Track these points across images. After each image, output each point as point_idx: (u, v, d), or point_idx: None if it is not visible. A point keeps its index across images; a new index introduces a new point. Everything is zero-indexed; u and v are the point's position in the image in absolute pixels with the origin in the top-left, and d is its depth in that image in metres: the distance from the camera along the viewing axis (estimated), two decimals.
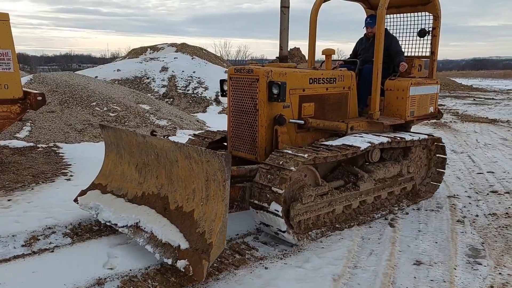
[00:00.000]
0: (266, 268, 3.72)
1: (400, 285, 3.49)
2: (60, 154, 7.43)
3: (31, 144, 7.94)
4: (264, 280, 3.51)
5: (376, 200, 5.21)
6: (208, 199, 3.47)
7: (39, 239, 4.11)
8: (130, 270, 3.57)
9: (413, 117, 5.74)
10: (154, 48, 21.57)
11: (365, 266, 3.83)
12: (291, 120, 4.71)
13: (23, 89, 6.25)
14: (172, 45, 21.12)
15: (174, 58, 17.46)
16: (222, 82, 5.20)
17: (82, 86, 10.83)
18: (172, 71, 16.12)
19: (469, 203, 5.66)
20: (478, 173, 7.21)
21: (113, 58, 37.54)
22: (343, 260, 3.92)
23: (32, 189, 5.58)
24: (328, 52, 5.28)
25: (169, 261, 3.33)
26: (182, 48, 20.31)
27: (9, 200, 5.13)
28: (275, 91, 4.41)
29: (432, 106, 6.15)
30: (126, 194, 4.36)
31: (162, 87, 15.33)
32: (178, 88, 15.22)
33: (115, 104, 10.51)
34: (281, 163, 4.06)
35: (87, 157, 7.11)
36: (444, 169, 6.04)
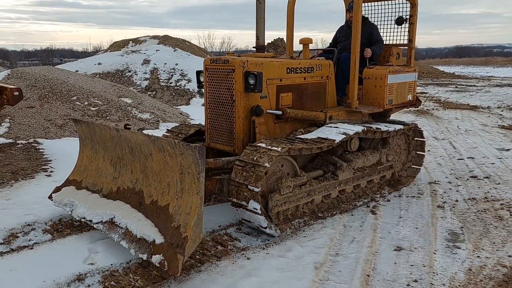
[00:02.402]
0: (248, 258, 3.73)
1: (380, 271, 3.54)
2: (40, 150, 7.30)
3: (10, 140, 7.78)
4: (246, 270, 3.52)
5: (356, 189, 5.24)
6: (183, 192, 3.42)
7: (18, 236, 4.05)
8: (111, 264, 3.54)
9: (391, 106, 5.75)
10: (136, 41, 21.23)
11: (346, 253, 3.87)
12: (268, 111, 4.66)
13: None
14: (155, 37, 20.81)
15: (156, 50, 17.24)
16: (198, 73, 5.11)
17: (62, 80, 10.64)
18: (154, 64, 15.92)
19: (450, 188, 5.75)
20: (458, 159, 7.32)
21: (95, 51, 36.88)
22: (325, 248, 3.95)
23: (12, 186, 5.48)
24: (305, 41, 5.24)
25: (144, 257, 3.30)
26: (165, 40, 20.04)
27: None
28: (251, 81, 4.36)
29: (411, 94, 6.16)
30: (101, 190, 4.29)
31: (144, 80, 15.14)
32: (161, 80, 15.06)
33: (96, 98, 10.36)
34: (255, 158, 4.01)
35: (68, 153, 6.99)
36: (424, 151, 6.13)
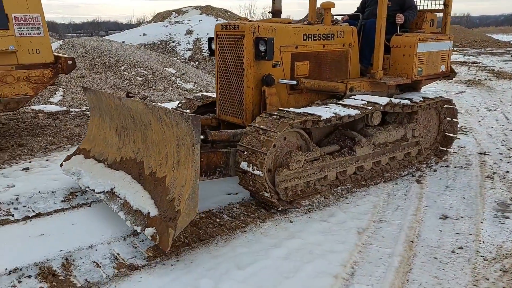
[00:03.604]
0: (291, 221, 3.83)
1: (425, 238, 3.53)
2: None
3: (64, 108, 8.21)
4: (290, 232, 3.62)
5: (392, 161, 4.95)
6: (179, 164, 3.27)
7: (77, 195, 4.34)
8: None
9: (421, 77, 5.31)
10: (179, 12, 21.40)
11: (390, 220, 3.88)
12: (281, 81, 4.36)
13: (54, 53, 6.41)
14: (197, 7, 20.89)
15: (199, 20, 17.32)
16: (210, 40, 4.79)
17: (110, 51, 10.98)
18: (197, 34, 16.04)
19: (500, 159, 5.54)
20: (511, 130, 6.99)
21: (139, 23, 37.51)
22: (368, 215, 3.97)
23: (68, 150, 5.83)
24: (326, 5, 4.80)
25: (138, 229, 3.22)
26: (207, 10, 20.07)
27: (47, 160, 5.40)
28: (262, 48, 4.08)
29: (444, 64, 5.63)
30: (107, 159, 4.24)
31: (187, 50, 15.33)
32: (203, 51, 15.19)
33: (142, 68, 10.64)
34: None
35: None
36: (455, 134, 5.68)
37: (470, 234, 3.59)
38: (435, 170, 5.17)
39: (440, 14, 5.79)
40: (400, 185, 4.71)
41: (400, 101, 4.79)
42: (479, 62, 17.60)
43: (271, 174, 4.00)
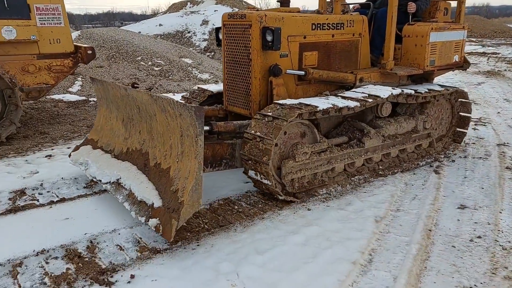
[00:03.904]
0: (309, 209, 3.87)
1: (443, 227, 3.54)
2: None
3: (83, 97, 8.36)
4: (307, 220, 3.66)
5: (386, 158, 4.79)
6: (183, 155, 3.26)
7: (98, 182, 4.44)
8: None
9: (433, 67, 5.17)
10: (194, 2, 21.38)
11: (408, 209, 3.89)
12: (288, 71, 4.29)
13: (74, 43, 6.52)
14: None
15: (215, 11, 17.32)
16: (217, 30, 4.72)
17: (128, 41, 11.09)
18: (213, 24, 16.06)
19: None
20: None
21: (154, 14, 37.61)
22: (386, 204, 3.99)
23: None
24: None
25: (142, 220, 3.24)
26: (222, 0, 20.02)
27: (68, 148, 5.53)
28: (268, 37, 4.02)
29: (457, 55, 5.49)
30: (113, 150, 4.26)
31: (203, 40, 15.36)
32: None
33: (159, 59, 10.73)
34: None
35: None
36: (467, 129, 5.59)
37: (489, 224, 3.59)
38: (453, 161, 5.14)
39: (455, 3, 5.62)
40: (418, 175, 4.70)
41: (403, 91, 4.64)
42: (498, 53, 17.26)
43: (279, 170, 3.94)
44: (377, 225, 3.58)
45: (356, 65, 4.95)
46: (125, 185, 3.67)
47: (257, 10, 4.48)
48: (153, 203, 3.25)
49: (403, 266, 2.96)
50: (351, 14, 4.98)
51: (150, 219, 3.16)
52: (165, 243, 3.24)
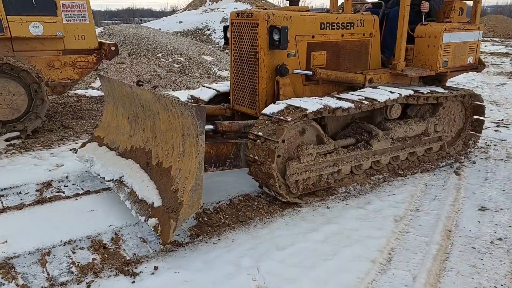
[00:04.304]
0: (328, 207, 3.90)
1: (463, 228, 3.53)
2: None
3: None
4: (327, 217, 3.70)
5: (395, 161, 4.70)
6: (184, 155, 3.23)
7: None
8: (204, 204, 3.87)
9: (446, 68, 5.04)
10: None
11: (427, 209, 3.89)
12: (295, 71, 4.24)
13: (98, 40, 6.65)
14: None
15: (234, 8, 17.37)
16: (225, 28, 4.68)
17: (148, 38, 11.24)
18: None
19: None
20: None
21: (173, 11, 37.91)
22: (405, 204, 3.99)
23: None
24: None
25: (142, 219, 3.21)
26: None
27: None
28: (276, 36, 3.96)
29: (472, 56, 5.32)
30: (118, 148, 4.27)
31: (222, 38, 15.44)
32: None
33: (179, 56, 10.85)
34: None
35: None
36: (480, 133, 5.52)
37: (510, 226, 3.56)
38: (474, 162, 5.10)
39: (471, 3, 5.48)
40: (438, 176, 4.68)
41: (401, 94, 4.46)
42: None
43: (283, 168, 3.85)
44: (397, 225, 3.59)
45: (366, 65, 4.89)
46: (127, 183, 3.68)
47: (265, 8, 4.43)
48: (153, 203, 3.25)
49: (422, 266, 2.98)
50: (362, 14, 4.92)
51: (149, 219, 3.15)
52: (187, 236, 3.31)
